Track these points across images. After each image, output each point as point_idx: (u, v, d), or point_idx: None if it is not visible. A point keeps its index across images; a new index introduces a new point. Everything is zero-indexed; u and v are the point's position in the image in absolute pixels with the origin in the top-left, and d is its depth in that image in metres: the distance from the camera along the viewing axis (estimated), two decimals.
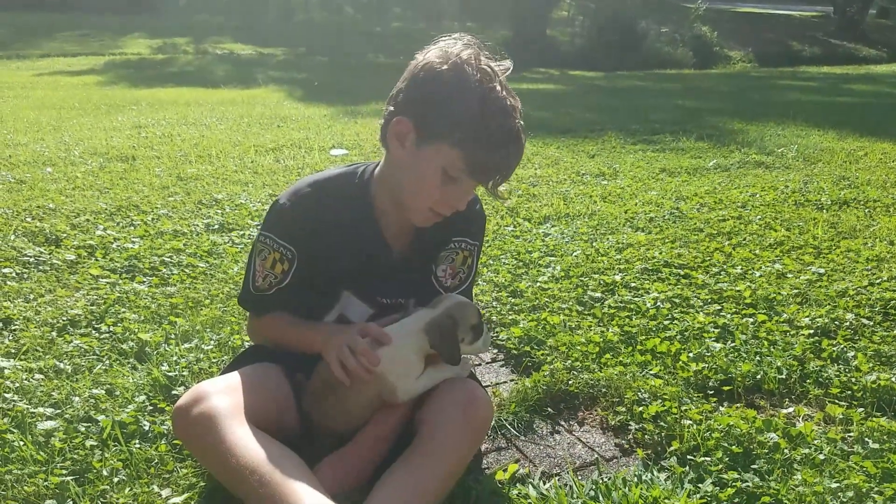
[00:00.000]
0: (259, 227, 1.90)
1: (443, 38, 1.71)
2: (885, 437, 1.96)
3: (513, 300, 2.93)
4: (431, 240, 1.90)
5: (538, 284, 3.08)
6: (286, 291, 1.86)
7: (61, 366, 2.27)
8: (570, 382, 2.27)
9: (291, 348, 1.87)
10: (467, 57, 1.65)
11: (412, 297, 1.92)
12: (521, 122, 1.69)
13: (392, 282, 1.90)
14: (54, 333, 2.50)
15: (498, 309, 2.86)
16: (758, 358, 2.41)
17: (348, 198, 1.85)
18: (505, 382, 2.39)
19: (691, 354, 2.43)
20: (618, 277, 3.15)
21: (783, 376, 2.31)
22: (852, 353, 2.46)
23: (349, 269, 1.86)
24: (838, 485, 1.74)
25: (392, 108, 1.71)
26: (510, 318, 2.77)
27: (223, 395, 1.63)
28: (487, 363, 2.52)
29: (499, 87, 1.65)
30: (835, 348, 2.50)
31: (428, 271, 1.93)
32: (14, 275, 3.01)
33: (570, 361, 2.40)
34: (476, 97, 1.62)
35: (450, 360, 1.75)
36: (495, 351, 2.60)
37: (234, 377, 1.73)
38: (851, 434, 2.00)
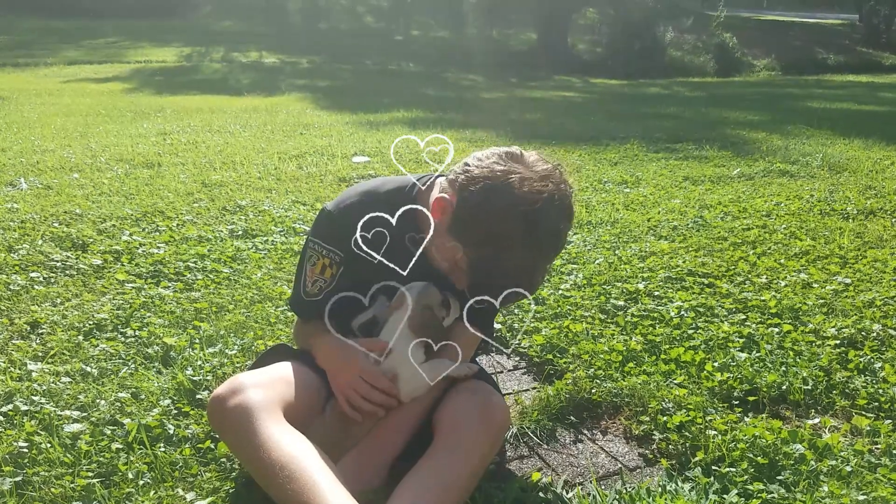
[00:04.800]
0: (308, 234, 1.92)
1: (530, 152, 1.73)
2: None
3: (535, 308, 2.92)
4: None
5: (560, 292, 3.07)
6: (333, 295, 1.89)
7: (88, 369, 2.29)
8: (592, 391, 2.26)
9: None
10: (524, 193, 1.62)
11: None
12: (544, 276, 1.75)
13: None
14: (81, 337, 2.53)
15: (520, 316, 2.85)
16: (783, 368, 2.38)
17: (397, 210, 1.87)
18: (527, 390, 2.38)
19: (716, 364, 2.41)
20: (641, 286, 3.13)
21: (809, 387, 2.28)
22: (879, 364, 2.43)
23: (389, 278, 1.88)
24: (865, 497, 1.71)
25: (452, 178, 1.72)
26: (532, 325, 2.76)
27: (259, 388, 1.64)
28: (510, 371, 2.52)
29: (542, 234, 1.65)
30: (861, 359, 2.47)
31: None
32: (41, 279, 3.05)
33: (592, 370, 2.39)
34: (513, 246, 1.64)
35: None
36: (517, 358, 2.60)
37: (271, 371, 1.75)
38: (879, 446, 1.98)
